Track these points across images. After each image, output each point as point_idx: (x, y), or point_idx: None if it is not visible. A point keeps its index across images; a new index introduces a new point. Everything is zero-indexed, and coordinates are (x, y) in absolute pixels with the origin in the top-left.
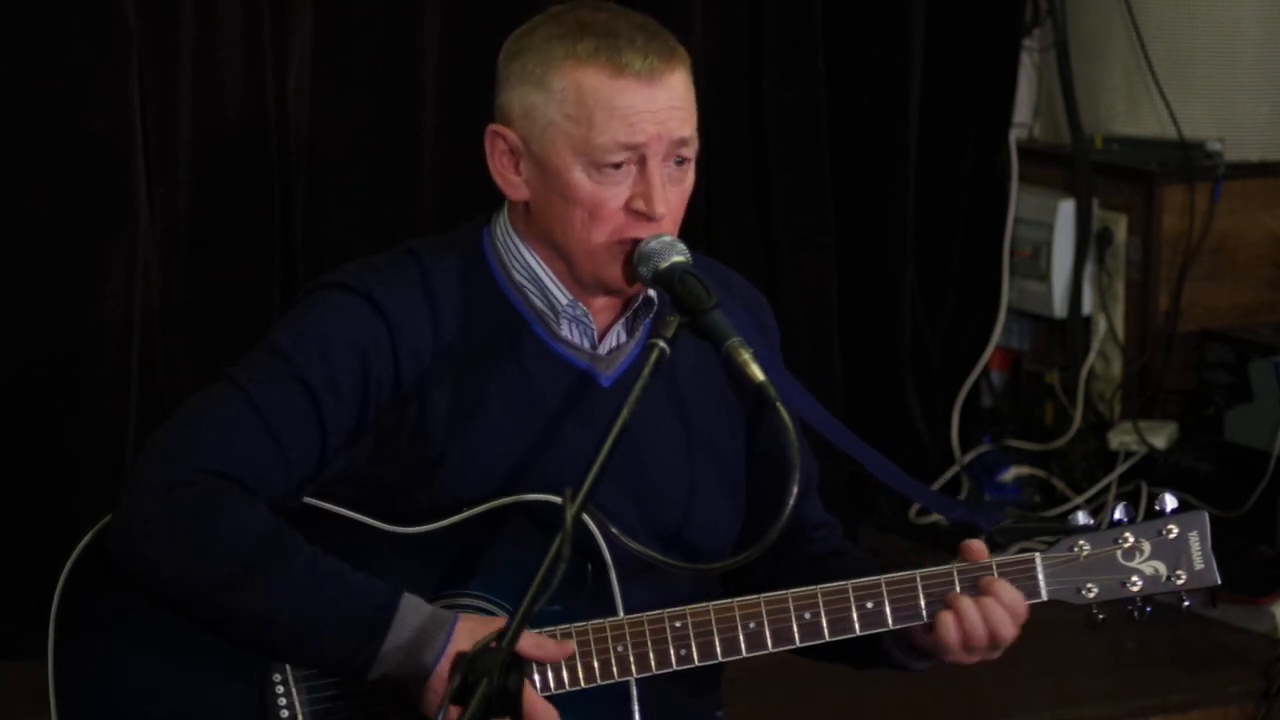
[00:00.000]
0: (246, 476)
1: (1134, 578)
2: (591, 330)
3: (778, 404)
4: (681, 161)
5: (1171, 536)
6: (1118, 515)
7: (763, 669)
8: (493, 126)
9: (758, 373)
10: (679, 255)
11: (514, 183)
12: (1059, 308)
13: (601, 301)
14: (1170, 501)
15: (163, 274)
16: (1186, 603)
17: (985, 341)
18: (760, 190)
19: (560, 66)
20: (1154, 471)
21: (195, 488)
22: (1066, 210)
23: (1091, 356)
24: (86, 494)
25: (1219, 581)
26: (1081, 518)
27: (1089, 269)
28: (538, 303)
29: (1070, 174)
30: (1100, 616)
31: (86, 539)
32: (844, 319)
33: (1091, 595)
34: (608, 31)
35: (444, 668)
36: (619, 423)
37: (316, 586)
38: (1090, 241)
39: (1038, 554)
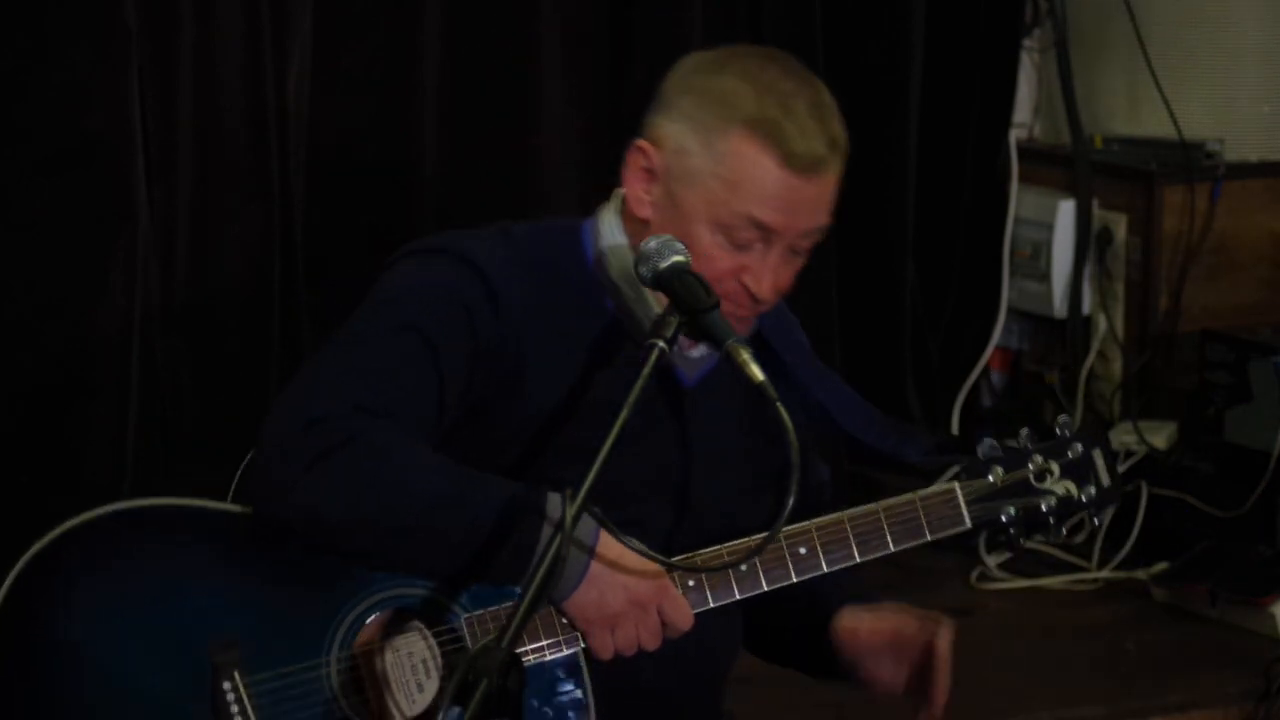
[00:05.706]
0: (377, 409)
1: (1048, 498)
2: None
3: (778, 404)
4: (798, 252)
5: (1076, 455)
6: (1024, 441)
7: (764, 670)
8: (640, 142)
9: (757, 373)
10: (678, 255)
11: (642, 199)
12: (1059, 308)
13: None
14: (1069, 421)
15: (163, 274)
16: (1096, 520)
17: (985, 341)
18: None
19: (728, 130)
20: (1154, 471)
21: (329, 423)
22: (1066, 210)
23: (1091, 356)
24: (86, 494)
25: (1120, 499)
26: (991, 446)
27: (1089, 269)
28: (630, 305)
29: (1070, 174)
30: (1022, 541)
31: (52, 534)
32: (844, 319)
33: (1010, 516)
34: (786, 110)
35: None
36: (618, 423)
37: (464, 487)
38: (1090, 241)
39: (957, 484)
